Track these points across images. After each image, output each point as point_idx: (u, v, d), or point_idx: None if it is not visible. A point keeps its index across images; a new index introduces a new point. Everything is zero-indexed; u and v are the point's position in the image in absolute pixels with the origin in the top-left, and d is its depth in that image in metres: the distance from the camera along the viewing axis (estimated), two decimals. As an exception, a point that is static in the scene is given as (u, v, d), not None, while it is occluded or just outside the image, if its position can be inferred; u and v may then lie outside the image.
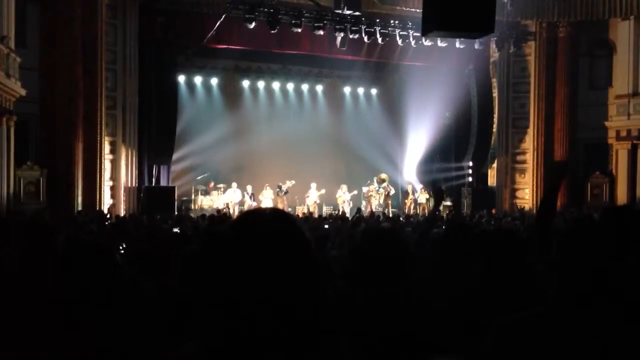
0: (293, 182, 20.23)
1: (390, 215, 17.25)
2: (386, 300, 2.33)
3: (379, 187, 21.24)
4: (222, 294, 1.26)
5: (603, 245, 1.91)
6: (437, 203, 4.74)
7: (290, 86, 23.59)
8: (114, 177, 17.11)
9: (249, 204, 19.54)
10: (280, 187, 20.03)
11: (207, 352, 1.25)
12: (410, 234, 6.80)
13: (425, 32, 5.49)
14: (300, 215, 16.59)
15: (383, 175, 21.45)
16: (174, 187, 18.44)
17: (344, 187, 21.03)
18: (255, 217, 1.32)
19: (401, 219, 14.54)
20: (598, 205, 18.31)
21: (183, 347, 1.32)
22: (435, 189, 5.01)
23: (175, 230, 8.41)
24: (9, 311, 2.35)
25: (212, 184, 20.30)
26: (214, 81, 22.32)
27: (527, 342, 1.86)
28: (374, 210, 19.72)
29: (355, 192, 21.23)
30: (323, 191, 20.70)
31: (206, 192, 20.13)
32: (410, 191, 21.62)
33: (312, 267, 1.29)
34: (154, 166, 18.21)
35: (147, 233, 7.09)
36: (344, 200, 20.79)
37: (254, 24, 16.97)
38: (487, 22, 5.16)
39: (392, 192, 21.34)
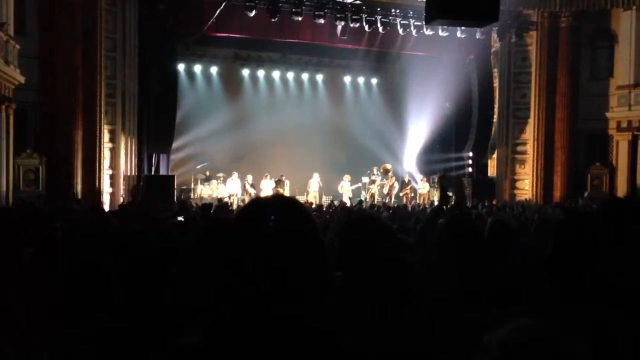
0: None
1: (392, 205, 17.22)
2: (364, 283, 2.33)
3: (383, 178, 21.21)
4: (227, 283, 1.24)
5: (595, 238, 1.90)
6: (442, 197, 4.71)
7: (290, 75, 23.53)
8: (113, 165, 17.08)
9: (250, 192, 19.52)
10: (279, 181, 20.03)
11: (209, 342, 1.23)
12: (412, 224, 6.78)
13: (429, 21, 5.46)
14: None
15: (388, 166, 21.36)
16: (173, 176, 18.42)
17: (347, 178, 20.98)
18: (264, 204, 1.30)
19: (400, 209, 14.54)
20: (598, 196, 18.31)
21: (185, 336, 1.30)
22: (440, 184, 4.96)
23: (180, 218, 8.37)
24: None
25: (208, 173, 20.27)
26: (214, 70, 22.26)
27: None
28: (375, 200, 19.71)
29: (360, 184, 21.21)
30: (316, 175, 20.59)
31: (205, 180, 20.09)
32: (406, 180, 21.57)
33: (320, 253, 1.27)
34: (154, 155, 18.18)
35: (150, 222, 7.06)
36: (347, 190, 20.76)
37: (254, 12, 16.87)
38: (491, 11, 5.13)
39: (396, 184, 21.24)
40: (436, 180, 19.75)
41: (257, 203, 1.32)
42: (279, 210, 1.27)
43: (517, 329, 0.88)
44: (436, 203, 4.61)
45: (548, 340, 0.89)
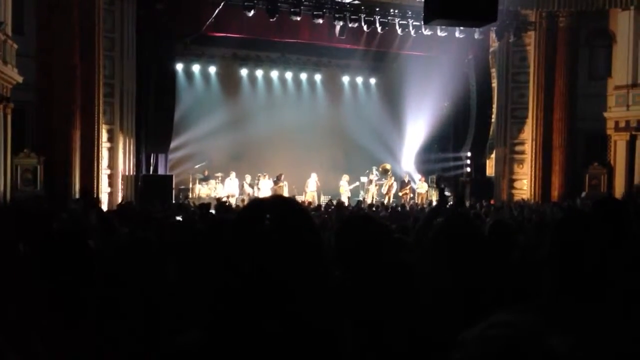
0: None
1: (390, 205, 17.23)
2: (361, 282, 2.33)
3: (381, 177, 21.20)
4: (226, 282, 1.24)
5: (596, 236, 1.90)
6: (440, 198, 4.73)
7: (288, 75, 23.53)
8: (112, 165, 17.05)
9: (248, 192, 19.51)
10: (278, 178, 20.03)
11: (207, 341, 1.23)
12: (410, 223, 6.80)
13: (427, 20, 5.46)
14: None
15: (387, 166, 21.32)
16: (171, 176, 18.41)
17: (345, 177, 21.00)
18: (263, 205, 1.30)
19: (398, 208, 14.56)
20: (596, 196, 18.33)
21: (183, 335, 1.29)
22: (437, 185, 5.04)
23: (178, 218, 8.39)
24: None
25: (206, 172, 20.28)
26: (212, 69, 22.25)
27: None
28: (373, 200, 19.71)
29: (357, 183, 21.22)
30: (314, 175, 20.59)
31: (203, 179, 20.09)
32: (406, 180, 21.58)
33: (319, 252, 1.27)
34: (152, 154, 18.16)
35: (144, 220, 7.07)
36: (345, 190, 20.76)
37: (252, 11, 16.87)
38: (490, 11, 5.13)
39: (395, 184, 21.23)
40: (434, 181, 19.79)
41: (257, 204, 1.32)
42: (278, 212, 1.27)
43: (493, 324, 0.87)
44: (434, 203, 4.65)
45: (524, 335, 0.88)
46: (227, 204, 15.45)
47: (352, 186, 21.00)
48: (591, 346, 1.54)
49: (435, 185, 19.54)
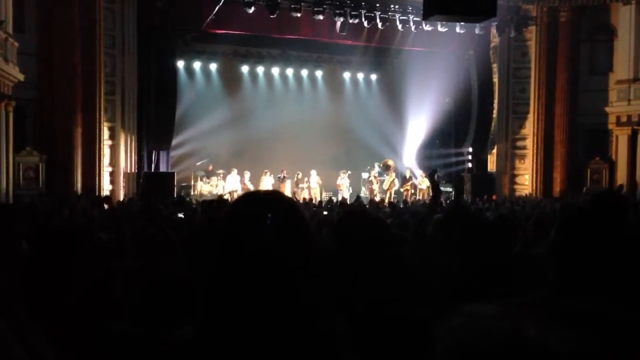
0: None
1: (392, 201, 17.22)
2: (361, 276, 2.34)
3: (383, 173, 21.17)
4: (220, 276, 1.25)
5: (596, 232, 1.91)
6: (435, 192, 4.76)
7: (289, 71, 23.51)
8: (113, 162, 17.09)
9: (250, 189, 19.49)
10: (281, 177, 20.03)
11: (203, 335, 1.24)
12: (410, 219, 6.80)
13: (427, 16, 5.47)
14: (301, 201, 16.58)
15: (389, 162, 21.26)
16: (173, 173, 18.42)
17: (343, 173, 20.99)
18: (254, 199, 1.31)
19: (400, 204, 14.55)
20: (597, 190, 18.30)
21: (179, 329, 1.31)
22: (430, 179, 5.08)
23: (180, 215, 8.40)
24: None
25: (210, 167, 20.28)
26: (213, 66, 22.24)
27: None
28: (375, 196, 19.68)
29: (350, 172, 21.15)
30: (314, 172, 20.63)
31: (205, 177, 20.09)
32: (407, 176, 21.55)
33: (310, 250, 1.28)
34: (153, 152, 18.17)
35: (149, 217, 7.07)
36: (345, 186, 20.74)
37: (253, 8, 16.85)
38: (489, 5, 5.13)
39: (396, 180, 21.19)
40: (426, 175, 19.74)
41: (253, 199, 1.33)
42: (273, 208, 1.27)
43: (468, 315, 0.86)
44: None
45: (499, 327, 0.87)
46: (228, 200, 15.46)
47: (347, 174, 20.92)
48: (592, 343, 1.55)
49: (428, 179, 19.49)
